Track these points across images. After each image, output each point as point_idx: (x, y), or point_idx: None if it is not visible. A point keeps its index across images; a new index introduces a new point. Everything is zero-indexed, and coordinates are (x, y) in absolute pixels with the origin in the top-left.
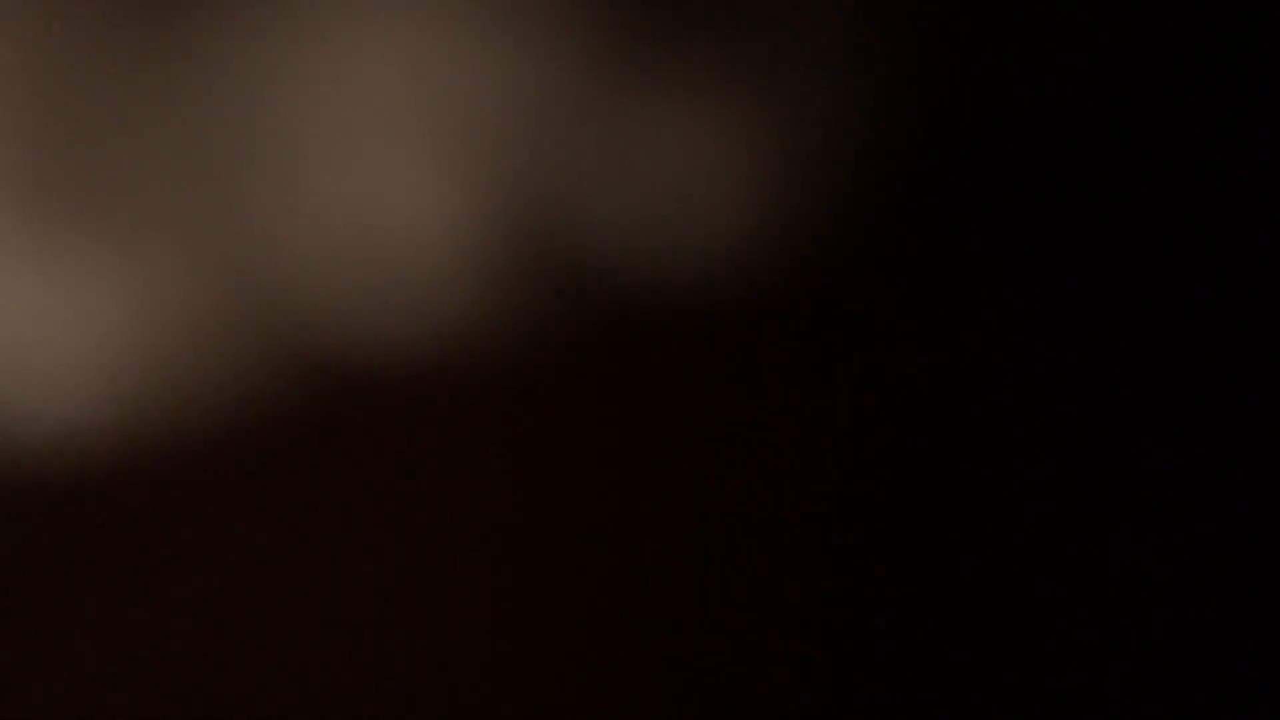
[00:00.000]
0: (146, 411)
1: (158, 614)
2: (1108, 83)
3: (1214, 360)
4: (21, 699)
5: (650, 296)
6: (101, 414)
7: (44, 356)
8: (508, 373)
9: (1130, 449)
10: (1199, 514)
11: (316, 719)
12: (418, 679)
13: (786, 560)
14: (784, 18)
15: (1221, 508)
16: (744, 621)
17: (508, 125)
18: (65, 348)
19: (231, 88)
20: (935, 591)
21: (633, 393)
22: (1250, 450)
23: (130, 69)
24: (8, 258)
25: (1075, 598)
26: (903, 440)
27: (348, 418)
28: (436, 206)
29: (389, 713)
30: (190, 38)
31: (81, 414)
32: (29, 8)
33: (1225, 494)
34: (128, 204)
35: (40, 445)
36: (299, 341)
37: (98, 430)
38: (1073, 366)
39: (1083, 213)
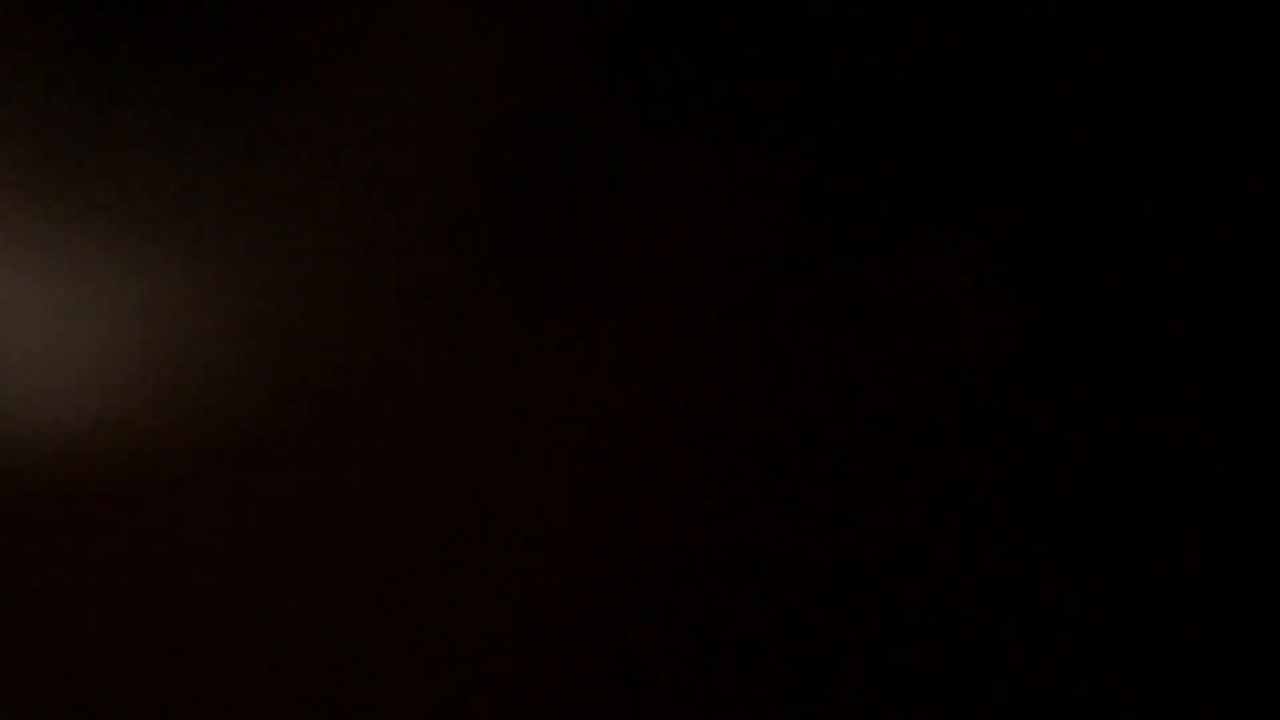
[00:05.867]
0: (146, 409)
1: (158, 612)
2: (1107, 79)
3: (1214, 359)
4: (21, 698)
5: (648, 294)
6: (100, 412)
7: (43, 356)
8: (504, 370)
9: (1130, 449)
10: (1199, 513)
11: (314, 717)
12: (415, 676)
13: (783, 560)
14: (782, 16)
15: (1222, 507)
16: (739, 620)
17: (505, 124)
18: (65, 347)
19: (230, 87)
20: (934, 592)
21: (627, 388)
22: (1251, 450)
23: (132, 70)
24: (6, 256)
25: (1074, 598)
26: (897, 437)
27: (346, 416)
28: (433, 205)
29: (383, 711)
30: (189, 38)
31: (81, 412)
32: (29, 6)
33: (1226, 494)
34: (126, 203)
35: (41, 444)
36: (298, 341)
37: (98, 428)
38: (1070, 363)
39: (1080, 208)
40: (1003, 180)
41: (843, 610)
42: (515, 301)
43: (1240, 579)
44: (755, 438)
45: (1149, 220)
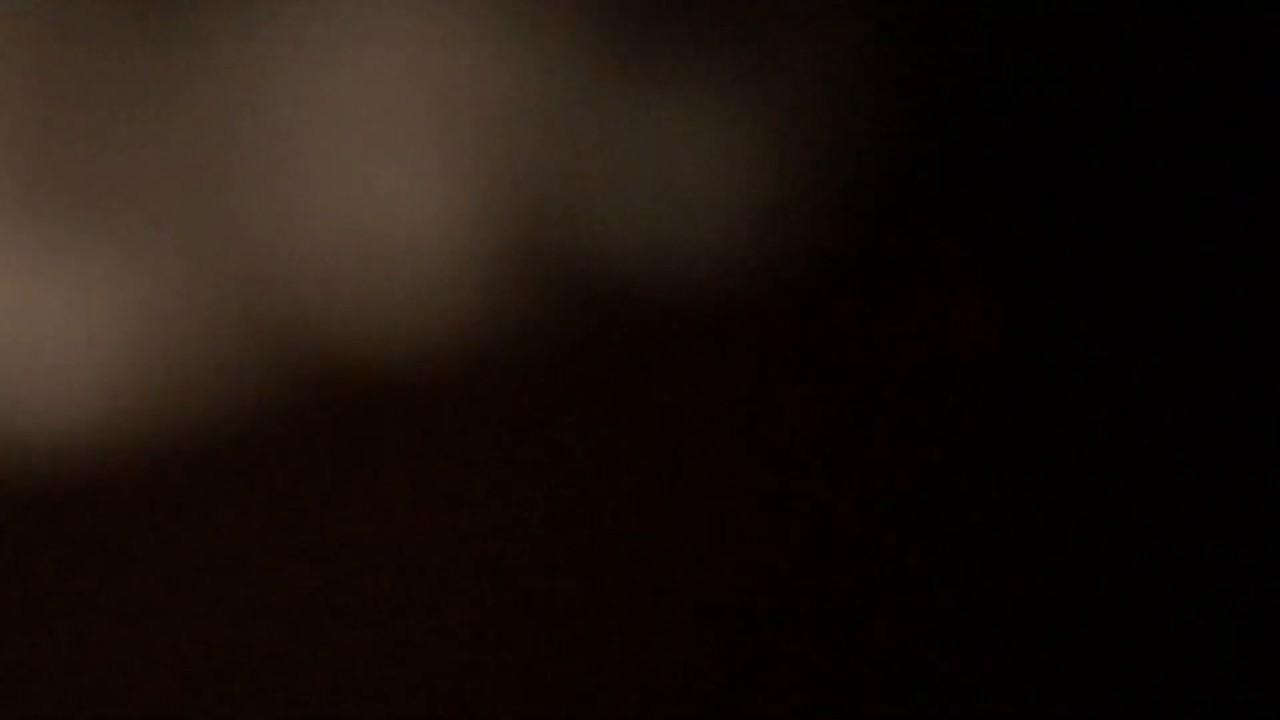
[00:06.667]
0: (145, 411)
1: (157, 613)
2: (1108, 81)
3: (1215, 359)
4: (22, 698)
5: (649, 295)
6: (101, 413)
7: (43, 356)
8: (507, 372)
9: (1131, 449)
10: (1200, 513)
11: (314, 716)
12: (415, 678)
13: (785, 561)
14: (784, 16)
15: (1222, 507)
16: (739, 621)
17: (508, 125)
18: (64, 347)
19: (230, 87)
20: (936, 592)
21: (631, 392)
22: (1251, 449)
23: (130, 69)
24: (7, 257)
25: (1075, 598)
26: (901, 440)
27: (347, 416)
28: (435, 206)
29: (386, 710)
30: (189, 37)
31: (81, 414)
32: (29, 8)
33: (1226, 494)
34: (126, 203)
35: (40, 445)
36: (298, 341)
37: (97, 430)
38: (1073, 363)
39: (1083, 210)
40: (1008, 185)
41: (845, 607)
42: (526, 305)
43: (1240, 579)
44: (762, 437)
45: (1151, 223)
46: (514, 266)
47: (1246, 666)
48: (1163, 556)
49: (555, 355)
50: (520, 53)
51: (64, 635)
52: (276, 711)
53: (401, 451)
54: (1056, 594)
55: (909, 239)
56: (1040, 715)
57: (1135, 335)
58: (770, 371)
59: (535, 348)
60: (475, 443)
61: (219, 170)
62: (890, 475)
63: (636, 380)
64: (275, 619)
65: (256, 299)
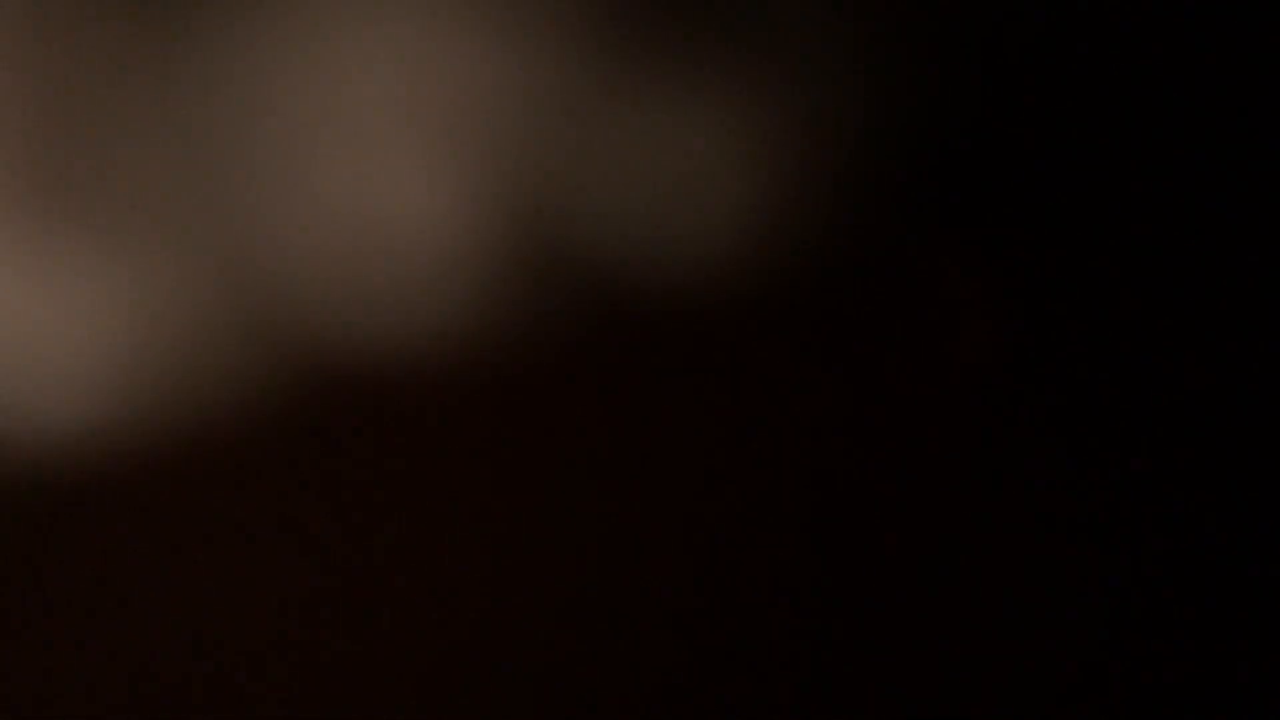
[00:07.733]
0: (144, 411)
1: (156, 613)
2: (1108, 80)
3: (1215, 359)
4: (22, 699)
5: (648, 294)
6: (99, 414)
7: (42, 357)
8: (506, 371)
9: (1131, 449)
10: (1200, 514)
11: (313, 718)
12: (414, 679)
13: (784, 561)
14: (781, 15)
15: (1222, 508)
16: (740, 623)
17: (505, 124)
18: (63, 348)
19: (229, 87)
20: (937, 593)
21: (631, 391)
22: (1251, 450)
23: (127, 68)
24: (5, 258)
25: (1076, 599)
26: (901, 440)
27: (346, 416)
28: (434, 205)
29: (386, 712)
30: (187, 37)
31: (80, 414)
32: (26, 7)
33: (1225, 494)
34: (125, 204)
35: (39, 445)
36: (297, 341)
37: (96, 430)
38: (1073, 366)
39: (1083, 212)
40: (1007, 184)
41: (840, 609)
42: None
43: (1241, 579)
44: (760, 437)
45: (1151, 225)
46: (511, 265)
47: (1246, 666)
48: (1164, 558)
49: (553, 354)
50: (517, 53)
51: (62, 636)
52: (276, 711)
53: (400, 450)
54: (1057, 595)
55: (907, 239)
56: (1040, 715)
57: (1135, 336)
58: (769, 371)
59: (533, 346)
60: (473, 440)
61: (217, 170)
62: (889, 475)
63: (635, 379)
64: (272, 618)
65: (255, 299)
